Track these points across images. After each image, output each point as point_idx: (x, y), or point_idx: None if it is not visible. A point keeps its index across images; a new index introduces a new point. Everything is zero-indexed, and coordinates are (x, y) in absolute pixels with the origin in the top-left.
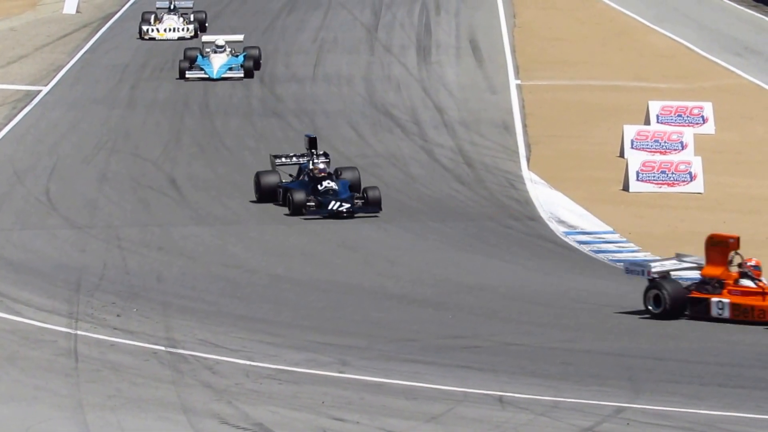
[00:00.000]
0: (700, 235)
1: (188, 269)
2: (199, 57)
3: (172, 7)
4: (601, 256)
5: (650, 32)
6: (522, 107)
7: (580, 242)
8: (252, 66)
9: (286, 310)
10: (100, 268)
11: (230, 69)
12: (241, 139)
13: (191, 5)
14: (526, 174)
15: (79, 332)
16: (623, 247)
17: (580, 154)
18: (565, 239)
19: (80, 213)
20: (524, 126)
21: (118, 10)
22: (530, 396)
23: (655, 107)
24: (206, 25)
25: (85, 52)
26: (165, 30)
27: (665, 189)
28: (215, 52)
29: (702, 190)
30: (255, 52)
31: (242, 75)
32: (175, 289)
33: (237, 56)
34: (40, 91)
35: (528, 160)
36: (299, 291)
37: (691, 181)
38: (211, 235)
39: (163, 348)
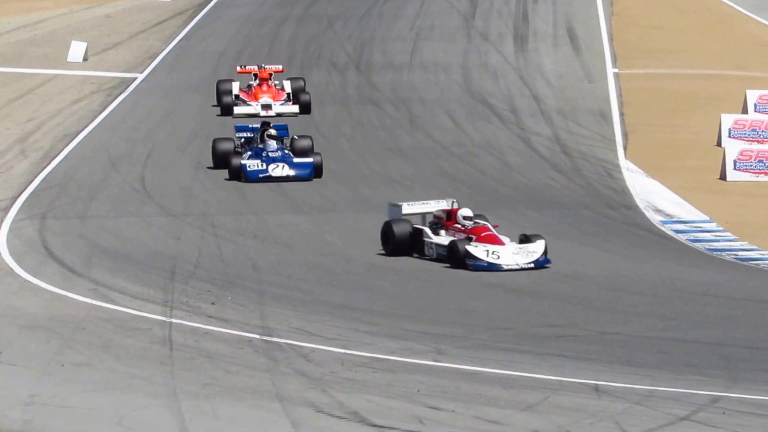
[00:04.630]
0: None
1: (284, 257)
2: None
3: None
4: (698, 245)
5: (748, 21)
6: (619, 96)
7: (677, 231)
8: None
9: (382, 299)
10: (195, 256)
11: None
12: (337, 127)
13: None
14: (623, 163)
15: (173, 320)
16: (720, 236)
17: (677, 143)
18: (662, 228)
19: (175, 201)
20: (621, 115)
21: None
22: (626, 385)
23: (752, 96)
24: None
25: (180, 40)
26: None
27: (762, 178)
28: None
29: None
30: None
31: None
32: (270, 278)
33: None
34: (135, 78)
35: (625, 148)
36: (395, 280)
37: None
38: (306, 224)
39: (258, 336)
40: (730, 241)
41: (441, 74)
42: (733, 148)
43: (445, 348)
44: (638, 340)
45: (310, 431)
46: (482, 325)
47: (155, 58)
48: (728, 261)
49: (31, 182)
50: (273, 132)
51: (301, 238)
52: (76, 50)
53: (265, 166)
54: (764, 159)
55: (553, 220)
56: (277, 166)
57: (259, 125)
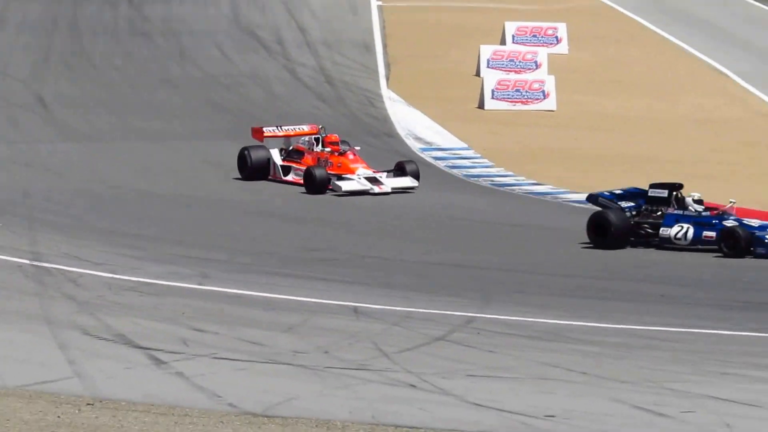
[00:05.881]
0: (551, 151)
1: (54, 185)
2: None
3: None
4: (455, 171)
5: None
6: (382, 28)
7: (436, 158)
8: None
9: (150, 225)
10: None
11: None
12: (108, 59)
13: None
14: (385, 92)
15: None
16: (477, 162)
17: (437, 73)
18: (422, 155)
19: None
20: (384, 46)
21: None
22: (384, 307)
23: (510, 28)
24: None
25: None
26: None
27: (519, 107)
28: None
29: (554, 108)
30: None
31: None
32: (41, 204)
33: None
34: None
35: (387, 79)
36: (163, 206)
37: (544, 99)
38: (77, 152)
39: (27, 261)
40: (486, 167)
41: (210, 7)
42: (491, 78)
43: (209, 272)
44: (397, 263)
45: (77, 353)
46: (246, 249)
47: None
48: (484, 186)
49: None
50: (697, 195)
51: (71, 166)
52: None
53: None
54: (521, 88)
55: None
56: None
57: (620, 190)
